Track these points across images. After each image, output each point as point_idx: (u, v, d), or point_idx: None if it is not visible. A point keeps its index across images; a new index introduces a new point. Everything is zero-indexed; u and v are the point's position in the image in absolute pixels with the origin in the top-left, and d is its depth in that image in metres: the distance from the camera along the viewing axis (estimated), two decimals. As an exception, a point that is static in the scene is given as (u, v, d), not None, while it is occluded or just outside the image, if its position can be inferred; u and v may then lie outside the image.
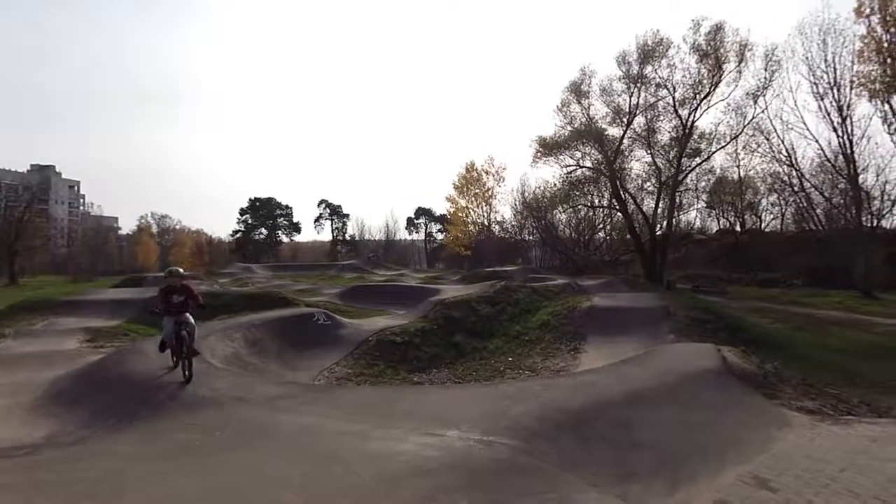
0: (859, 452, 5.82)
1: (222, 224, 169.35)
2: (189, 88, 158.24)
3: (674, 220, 34.89)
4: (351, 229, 79.06)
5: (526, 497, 4.10)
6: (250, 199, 77.22)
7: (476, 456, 4.69)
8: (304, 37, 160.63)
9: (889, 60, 24.55)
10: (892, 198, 28.01)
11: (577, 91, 33.84)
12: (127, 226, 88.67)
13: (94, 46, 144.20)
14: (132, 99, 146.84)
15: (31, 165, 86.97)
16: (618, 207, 35.98)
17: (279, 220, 78.22)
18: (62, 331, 15.83)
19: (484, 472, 4.40)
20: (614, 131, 33.97)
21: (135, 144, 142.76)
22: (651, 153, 33.27)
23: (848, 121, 27.99)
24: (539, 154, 35.09)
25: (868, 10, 24.88)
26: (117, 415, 6.69)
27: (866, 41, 25.37)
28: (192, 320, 7.92)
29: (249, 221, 76.46)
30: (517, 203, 53.00)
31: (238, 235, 76.24)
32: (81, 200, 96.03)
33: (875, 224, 29.35)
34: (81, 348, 13.67)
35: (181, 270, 8.44)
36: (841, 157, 29.00)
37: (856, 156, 28.21)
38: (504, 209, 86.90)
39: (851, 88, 27.27)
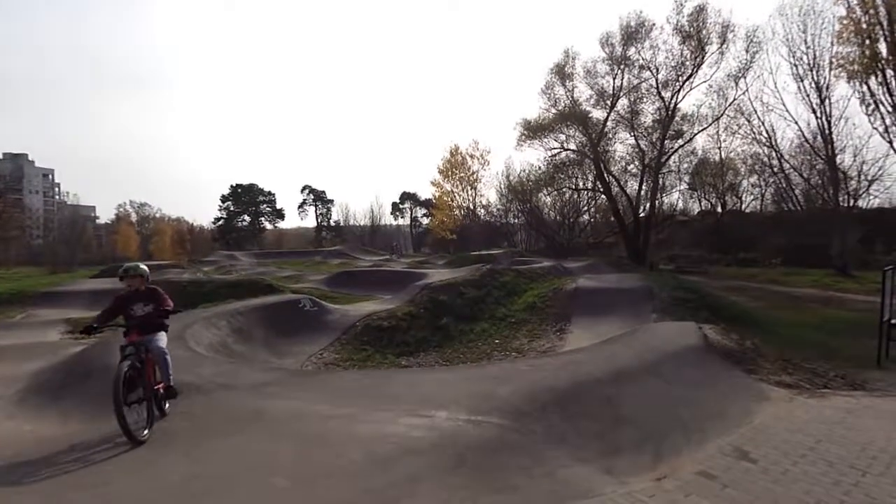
0: (835, 423, 6.02)
1: (204, 211, 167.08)
2: (166, 72, 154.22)
3: (657, 201, 35.35)
4: (336, 215, 78.54)
5: (513, 473, 4.18)
6: (232, 186, 76.12)
7: (464, 435, 4.75)
8: (284, 18, 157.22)
9: (867, 41, 24.85)
10: (869, 178, 28.63)
11: (561, 73, 33.80)
12: (105, 215, 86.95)
13: (63, 29, 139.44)
14: (106, 83, 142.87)
15: (3, 154, 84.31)
16: (602, 190, 36.25)
17: (262, 207, 77.26)
18: (42, 322, 15.56)
19: (472, 450, 4.46)
20: (598, 114, 34.14)
21: (110, 130, 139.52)
22: (634, 135, 33.52)
23: (826, 102, 28.47)
24: (523, 137, 35.15)
25: (847, -9, 25.12)
26: (101, 405, 6.58)
27: (845, 22, 25.62)
28: (163, 343, 5.42)
29: (231, 208, 75.36)
30: (502, 187, 53.10)
31: (220, 223, 75.17)
32: (57, 189, 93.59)
33: (851, 204, 30.02)
34: (63, 340, 13.45)
35: (144, 267, 5.74)
36: (819, 137, 29.51)
37: (834, 136, 28.75)
38: (489, 193, 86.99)
39: (830, 70, 27.69)
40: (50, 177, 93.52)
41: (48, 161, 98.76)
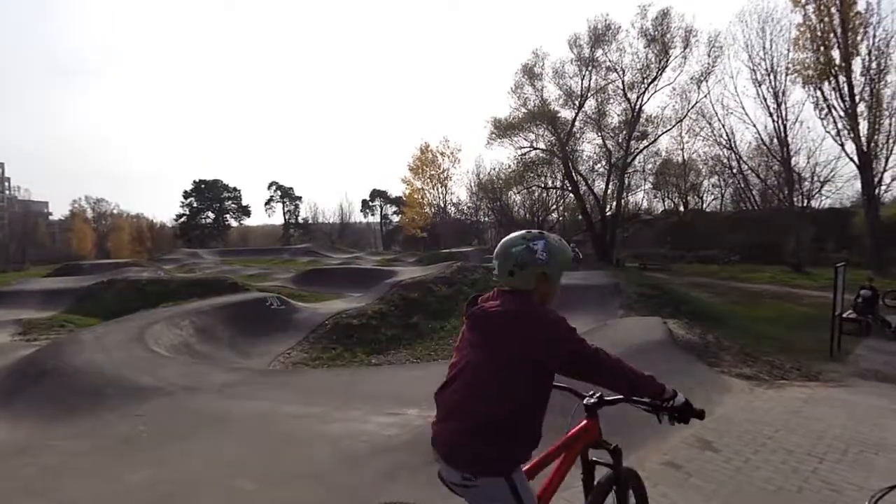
0: (792, 413, 6.26)
1: (165, 208, 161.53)
2: (123, 63, 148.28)
3: (622, 200, 36.07)
4: (304, 212, 77.17)
5: (486, 469, 4.17)
6: (195, 182, 73.75)
7: (436, 432, 4.72)
8: (249, 10, 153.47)
9: (822, 48, 25.98)
10: (821, 179, 29.94)
11: (531, 73, 34.10)
12: (59, 211, 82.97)
13: (12, 18, 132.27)
14: (58, 75, 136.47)
15: (-53, 147, 79.54)
16: (570, 189, 36.76)
17: (227, 204, 75.22)
18: (-10, 324, 14.76)
19: (444, 447, 4.43)
20: (566, 114, 34.57)
21: (64, 124, 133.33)
22: (601, 136, 34.11)
23: (783, 106, 29.60)
24: (494, 135, 35.30)
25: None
26: (54, 409, 6.30)
27: (801, 29, 26.75)
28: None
29: (194, 205, 73.11)
30: (472, 184, 53.29)
31: (182, 220, 72.87)
32: (7, 184, 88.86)
33: (805, 204, 31.35)
34: (14, 342, 12.80)
35: None
36: (776, 140, 30.70)
37: (789, 139, 29.93)
38: (460, 191, 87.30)
39: (786, 75, 28.81)
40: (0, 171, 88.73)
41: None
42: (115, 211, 76.32)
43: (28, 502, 3.59)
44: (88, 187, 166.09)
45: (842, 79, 25.92)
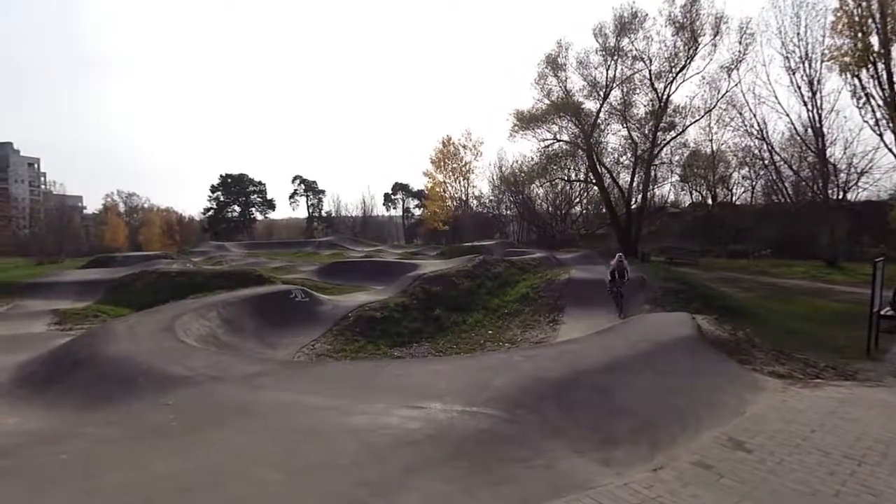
0: (828, 413, 6.04)
1: (193, 202, 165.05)
2: (154, 60, 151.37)
3: (648, 193, 35.29)
4: (327, 205, 77.87)
5: (510, 465, 4.12)
6: (221, 176, 75.00)
7: (460, 427, 4.69)
8: (274, 7, 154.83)
9: (860, 34, 24.89)
10: (858, 170, 28.78)
11: (554, 64, 33.54)
12: (92, 205, 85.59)
13: (40, 11, 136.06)
14: (91, 71, 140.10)
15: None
16: (594, 181, 36.15)
17: (252, 197, 76.37)
18: (29, 314, 15.30)
19: (468, 442, 4.40)
20: (591, 105, 33.93)
21: (97, 120, 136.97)
22: (627, 127, 33.39)
23: (818, 95, 28.51)
24: (516, 128, 34.84)
25: (841, -17, 25.10)
26: (87, 397, 6.48)
27: (838, 14, 25.63)
28: None
29: (221, 199, 74.42)
30: (495, 177, 52.89)
31: (210, 213, 74.32)
32: (43, 179, 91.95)
33: (841, 196, 30.20)
34: (50, 331, 13.25)
35: None
36: (810, 130, 29.63)
37: (824, 129, 28.86)
38: (482, 184, 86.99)
39: (822, 62, 27.71)
40: (36, 166, 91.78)
41: (33, 150, 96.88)
42: (145, 205, 78.38)
43: (60, 489, 3.68)
44: (120, 182, 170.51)
45: (881, 66, 24.74)
